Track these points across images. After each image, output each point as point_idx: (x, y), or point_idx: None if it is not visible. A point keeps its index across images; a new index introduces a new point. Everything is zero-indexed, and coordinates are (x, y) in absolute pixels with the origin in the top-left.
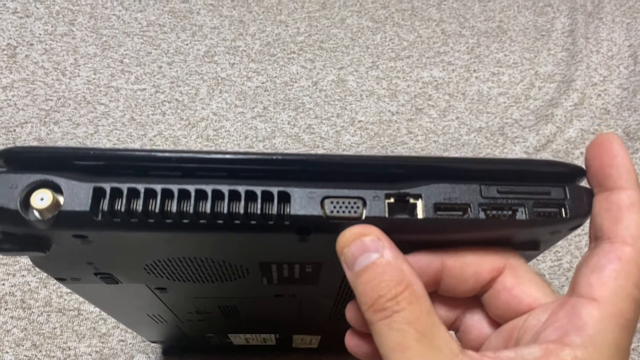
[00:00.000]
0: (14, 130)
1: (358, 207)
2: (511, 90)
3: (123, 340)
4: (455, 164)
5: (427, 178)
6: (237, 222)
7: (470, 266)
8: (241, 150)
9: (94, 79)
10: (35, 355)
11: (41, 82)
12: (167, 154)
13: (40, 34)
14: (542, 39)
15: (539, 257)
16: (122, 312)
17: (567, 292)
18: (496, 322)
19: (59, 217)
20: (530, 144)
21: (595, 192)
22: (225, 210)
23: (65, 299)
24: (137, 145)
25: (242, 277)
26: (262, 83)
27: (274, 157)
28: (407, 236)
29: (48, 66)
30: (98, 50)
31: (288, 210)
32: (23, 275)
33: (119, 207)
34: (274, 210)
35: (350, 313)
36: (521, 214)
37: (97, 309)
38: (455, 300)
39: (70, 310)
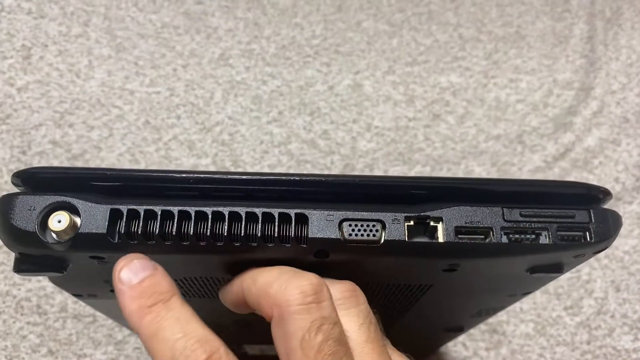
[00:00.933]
0: (29, 133)
1: (377, 230)
2: (529, 97)
3: (139, 348)
4: (476, 186)
5: (448, 200)
6: (254, 244)
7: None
8: (257, 171)
9: (108, 81)
10: None
11: (56, 83)
12: (184, 175)
13: (54, 35)
14: (561, 46)
15: None
16: None
17: None
18: None
19: (76, 240)
20: (549, 152)
21: None
22: (243, 233)
23: (81, 305)
24: (152, 149)
25: None
26: (278, 87)
27: (292, 178)
28: (426, 260)
29: (62, 68)
30: (112, 52)
31: (306, 232)
32: (39, 280)
33: (135, 229)
34: (292, 233)
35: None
36: (545, 238)
37: None
38: None
39: (86, 316)
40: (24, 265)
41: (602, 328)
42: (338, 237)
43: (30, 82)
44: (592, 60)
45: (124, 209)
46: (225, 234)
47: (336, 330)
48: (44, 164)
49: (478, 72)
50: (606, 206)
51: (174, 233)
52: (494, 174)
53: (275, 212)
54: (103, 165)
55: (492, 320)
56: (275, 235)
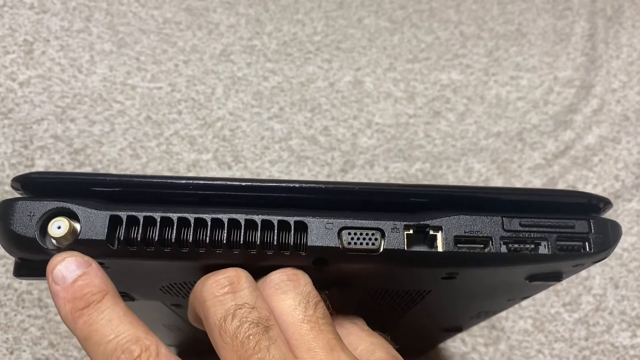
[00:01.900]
0: (31, 127)
1: (376, 239)
2: (530, 94)
3: None
4: (476, 194)
5: (447, 209)
6: (253, 251)
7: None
8: (256, 178)
9: (109, 76)
10: (53, 355)
11: (57, 78)
12: (183, 182)
13: (56, 30)
14: (562, 43)
15: None
16: None
17: None
18: None
19: (76, 246)
20: (549, 150)
21: None
22: (242, 240)
23: None
24: (153, 144)
25: None
26: (279, 83)
27: (291, 185)
28: (425, 269)
29: (64, 63)
30: (114, 47)
31: (305, 240)
32: None
33: (135, 236)
34: (291, 241)
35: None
36: (544, 248)
37: None
38: None
39: None
40: (24, 270)
41: (600, 325)
42: (337, 245)
43: (32, 77)
44: (593, 58)
45: (123, 215)
46: (225, 242)
47: (254, 313)
48: (45, 158)
49: (479, 69)
50: (606, 216)
51: (173, 240)
52: (494, 171)
53: (275, 219)
54: (104, 161)
55: None
56: (275, 243)
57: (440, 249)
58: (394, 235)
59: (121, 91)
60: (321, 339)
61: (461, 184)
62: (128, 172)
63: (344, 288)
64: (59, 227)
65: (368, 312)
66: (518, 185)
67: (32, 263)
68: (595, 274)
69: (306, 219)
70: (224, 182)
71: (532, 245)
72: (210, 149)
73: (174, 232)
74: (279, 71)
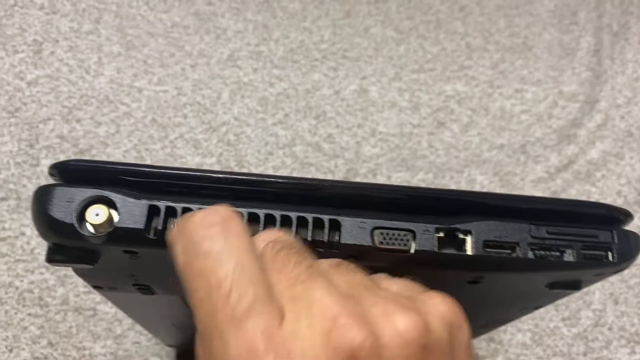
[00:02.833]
0: (37, 127)
1: (408, 240)
2: (534, 108)
3: (138, 343)
4: (505, 202)
5: (476, 214)
6: None
7: None
8: (290, 175)
9: (117, 78)
10: (51, 354)
11: (65, 79)
12: (220, 176)
13: (65, 31)
14: (567, 58)
15: None
16: (146, 318)
17: None
18: None
19: (113, 233)
20: (552, 163)
21: None
22: None
23: (82, 298)
24: (157, 146)
25: None
26: (284, 90)
27: (326, 184)
28: (454, 271)
29: (72, 63)
30: (122, 50)
31: (338, 238)
32: (41, 273)
33: (172, 226)
34: (325, 238)
35: None
36: (569, 256)
37: (113, 310)
38: None
39: (87, 309)
40: (58, 255)
41: (599, 340)
42: (370, 244)
43: (40, 77)
44: (598, 74)
45: (162, 205)
46: None
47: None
48: (51, 158)
49: (484, 81)
50: (629, 228)
51: None
52: (496, 184)
53: (310, 217)
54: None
55: None
56: (309, 239)
57: (469, 252)
58: (425, 237)
59: (128, 93)
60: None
61: None
62: None
63: None
64: (97, 215)
65: None
66: None
67: (66, 249)
68: (595, 289)
69: (340, 218)
70: (259, 178)
71: (558, 253)
72: (215, 153)
73: None
74: (285, 78)
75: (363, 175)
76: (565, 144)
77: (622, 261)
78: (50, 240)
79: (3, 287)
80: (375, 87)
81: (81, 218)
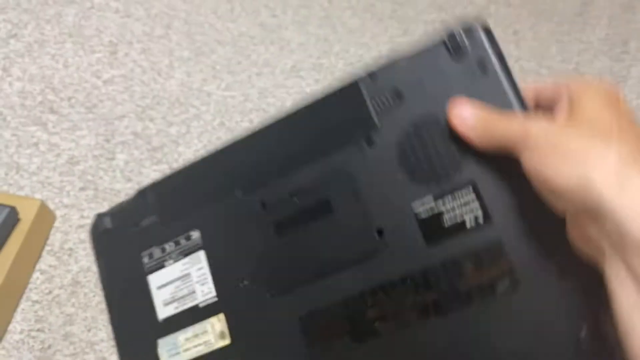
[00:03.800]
0: (113, 123)
1: None
2: None
3: None
4: None
5: None
6: None
7: None
8: None
9: (187, 81)
10: None
11: (138, 79)
12: None
13: (139, 34)
14: (618, 85)
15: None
16: None
17: None
18: None
19: None
20: None
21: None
22: None
23: None
24: None
25: None
26: None
27: None
28: None
29: (145, 65)
30: (192, 55)
31: None
32: None
33: None
34: None
35: None
36: None
37: None
38: None
39: None
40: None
41: None
42: None
43: (116, 76)
44: None
45: None
46: None
47: None
48: (125, 153)
49: None
50: None
51: None
52: None
53: None
54: (180, 160)
55: None
56: None
57: None
58: None
59: (197, 97)
60: None
61: None
62: None
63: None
64: None
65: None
66: None
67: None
68: None
69: None
70: None
71: None
72: None
73: None
74: None
75: None
76: None
77: None
78: None
79: (82, 271)
80: None
81: None
